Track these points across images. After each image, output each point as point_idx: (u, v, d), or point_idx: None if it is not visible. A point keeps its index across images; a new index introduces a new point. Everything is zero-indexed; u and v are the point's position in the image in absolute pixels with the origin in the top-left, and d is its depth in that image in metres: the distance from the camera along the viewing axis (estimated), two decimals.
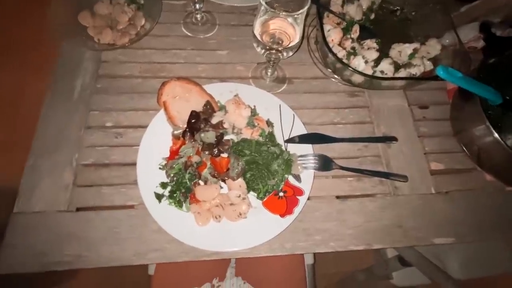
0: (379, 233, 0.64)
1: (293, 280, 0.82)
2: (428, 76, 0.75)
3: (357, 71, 0.70)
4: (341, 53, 0.75)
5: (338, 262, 1.45)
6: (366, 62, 0.75)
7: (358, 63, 0.74)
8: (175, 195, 0.58)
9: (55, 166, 0.64)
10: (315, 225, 0.62)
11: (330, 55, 0.73)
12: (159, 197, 0.58)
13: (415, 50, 0.78)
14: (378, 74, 0.75)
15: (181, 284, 0.77)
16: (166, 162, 0.61)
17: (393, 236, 0.63)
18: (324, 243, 0.61)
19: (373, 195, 0.66)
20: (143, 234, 0.58)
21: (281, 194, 0.62)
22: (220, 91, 0.68)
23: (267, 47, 0.63)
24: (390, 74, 0.75)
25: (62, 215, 0.60)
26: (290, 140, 0.65)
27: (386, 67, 0.75)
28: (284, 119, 0.69)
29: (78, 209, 0.61)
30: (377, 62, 0.76)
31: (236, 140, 0.63)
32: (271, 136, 0.64)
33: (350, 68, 0.69)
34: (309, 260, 0.89)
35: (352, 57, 0.75)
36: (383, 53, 0.78)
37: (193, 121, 0.62)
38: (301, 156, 0.64)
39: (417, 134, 0.76)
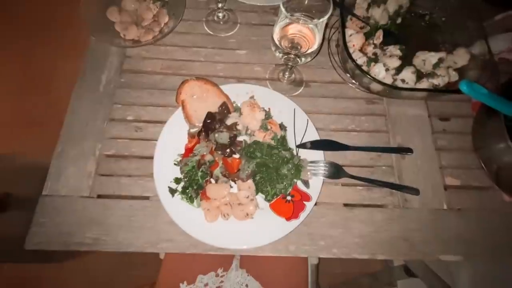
0: (385, 244, 0.64)
1: (296, 278, 0.83)
2: (451, 89, 0.72)
3: (376, 79, 0.68)
4: (361, 60, 0.73)
5: (344, 263, 1.45)
6: (387, 69, 0.73)
7: (378, 70, 0.73)
8: (187, 191, 0.60)
9: (80, 155, 0.68)
10: (320, 230, 0.62)
11: (350, 61, 0.72)
12: (172, 191, 0.60)
13: (441, 60, 0.74)
14: (399, 83, 0.73)
15: (188, 270, 0.81)
16: (181, 158, 0.63)
17: (399, 248, 0.62)
18: (328, 249, 0.61)
19: (382, 205, 0.65)
20: (156, 224, 0.61)
21: (288, 198, 0.63)
22: (236, 92, 0.68)
23: (285, 52, 0.63)
24: (411, 84, 0.73)
25: (85, 200, 0.64)
26: (302, 146, 0.65)
27: (407, 76, 0.73)
28: (297, 124, 0.69)
29: (99, 196, 0.65)
30: (398, 70, 0.74)
31: (248, 142, 0.64)
32: (283, 140, 0.64)
33: (368, 76, 0.68)
34: (313, 260, 0.90)
35: (372, 64, 0.74)
36: (406, 61, 0.75)
37: (208, 121, 0.64)
38: (311, 162, 0.64)
39: (434, 147, 0.73)
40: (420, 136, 0.73)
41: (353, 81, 0.78)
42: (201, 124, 0.64)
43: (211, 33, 0.81)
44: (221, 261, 0.83)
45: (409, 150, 0.70)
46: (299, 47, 0.64)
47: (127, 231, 0.60)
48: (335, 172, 0.66)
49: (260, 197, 0.62)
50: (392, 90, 0.71)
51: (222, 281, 0.80)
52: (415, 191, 0.65)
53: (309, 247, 0.62)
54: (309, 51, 0.62)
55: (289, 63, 0.68)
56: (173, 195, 0.60)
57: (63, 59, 1.70)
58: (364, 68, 0.72)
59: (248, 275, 0.82)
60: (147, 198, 0.63)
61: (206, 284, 0.79)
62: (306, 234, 0.62)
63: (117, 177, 0.65)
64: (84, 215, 0.63)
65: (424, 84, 0.72)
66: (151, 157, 0.65)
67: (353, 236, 0.62)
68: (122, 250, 0.61)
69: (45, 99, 1.71)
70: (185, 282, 0.78)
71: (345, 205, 0.65)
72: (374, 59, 0.75)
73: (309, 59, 0.66)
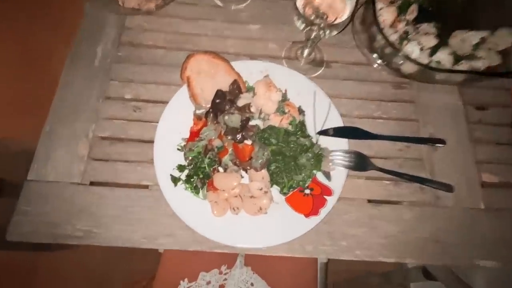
0: (412, 246, 0.57)
1: (304, 277, 0.77)
2: (494, 72, 0.64)
3: (412, 59, 0.59)
4: (393, 37, 0.64)
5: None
6: (421, 49, 0.64)
7: (412, 49, 0.64)
8: (192, 180, 0.54)
9: (71, 135, 0.61)
10: (342, 229, 0.57)
11: (379, 38, 0.63)
12: (175, 180, 0.54)
13: (483, 40, 0.65)
14: (433, 64, 0.64)
15: (189, 267, 0.75)
16: (185, 143, 0.57)
17: (429, 251, 0.57)
18: (350, 250, 0.56)
19: (410, 203, 0.60)
20: (156, 217, 0.56)
21: (307, 191, 0.56)
22: (249, 70, 0.62)
23: (309, 21, 0.54)
24: (448, 67, 0.64)
25: (75, 187, 0.57)
26: (323, 132, 0.59)
27: (444, 57, 0.64)
28: (318, 108, 0.61)
29: (91, 183, 0.58)
30: (433, 51, 0.65)
31: (262, 127, 0.58)
32: (302, 125, 0.58)
33: (403, 55, 0.59)
34: (323, 258, 0.84)
35: (405, 42, 0.65)
36: (441, 41, 0.66)
37: (217, 101, 0.57)
38: (333, 151, 0.57)
39: (469, 139, 0.66)
40: (453, 126, 0.66)
41: (380, 61, 0.69)
42: (208, 105, 0.58)
43: (220, 4, 0.73)
44: (224, 257, 0.77)
45: (441, 141, 0.63)
46: (325, 17, 0.55)
47: (122, 223, 0.55)
48: (361, 163, 0.58)
49: (275, 190, 0.56)
50: (425, 73, 0.63)
51: (225, 279, 0.74)
52: (448, 188, 0.59)
53: (328, 247, 0.56)
54: (338, 21, 0.53)
55: (312, 37, 0.59)
56: (175, 184, 0.54)
57: (56, 38, 1.60)
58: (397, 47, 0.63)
59: (253, 273, 0.75)
60: (146, 187, 0.58)
61: (209, 282, 0.74)
62: (325, 232, 0.57)
63: (112, 163, 0.59)
64: (74, 204, 0.56)
65: (463, 67, 0.63)
66: (151, 141, 0.58)
67: (378, 236, 0.57)
68: (116, 245, 0.54)
69: (39, 80, 1.62)
70: (186, 280, 0.73)
71: (370, 201, 0.60)
72: (405, 38, 0.66)
73: (334, 32, 0.58)
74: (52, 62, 1.65)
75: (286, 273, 0.76)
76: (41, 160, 0.58)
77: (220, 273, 0.74)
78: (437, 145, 0.63)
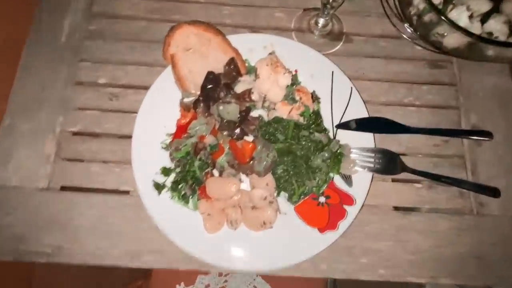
0: (449, 264, 0.49)
1: (312, 282, 0.72)
2: None
3: (461, 28, 0.46)
4: (436, 0, 0.50)
5: None
6: (470, 16, 0.51)
7: (458, 16, 0.52)
8: (180, 186, 0.46)
9: (35, 131, 0.53)
10: (363, 243, 0.50)
11: (416, 2, 0.50)
12: (158, 187, 0.47)
13: None
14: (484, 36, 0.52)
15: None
16: (171, 140, 0.49)
17: (468, 270, 0.49)
18: (372, 268, 0.48)
19: (447, 210, 0.52)
20: (139, 229, 0.49)
21: (322, 199, 0.47)
22: (250, 46, 0.53)
23: None
24: (502, 38, 0.53)
25: (42, 194, 0.50)
26: (343, 126, 0.50)
27: (496, 27, 0.54)
28: (336, 93, 0.52)
29: (62, 188, 0.51)
30: (484, 18, 0.54)
31: (267, 119, 0.50)
32: (316, 116, 0.51)
33: (447, 24, 0.46)
34: None
35: (450, 6, 0.52)
36: (495, 6, 0.54)
37: (209, 86, 0.48)
38: (356, 149, 0.48)
39: None
40: (502, 116, 0.57)
41: (413, 33, 0.57)
42: (198, 91, 0.49)
43: None
44: None
45: (487, 134, 0.54)
46: None
47: (99, 237, 0.48)
48: (391, 164, 0.48)
49: (282, 196, 0.48)
50: (473, 49, 0.53)
51: (226, 281, 0.71)
52: (493, 192, 0.51)
53: (346, 265, 0.49)
54: None
55: (328, 3, 0.46)
56: (159, 192, 0.47)
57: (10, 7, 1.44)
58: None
59: (257, 276, 0.71)
60: (126, 192, 0.51)
61: (208, 285, 0.71)
62: (343, 247, 0.49)
63: (86, 163, 0.52)
64: (42, 214, 0.49)
65: None
66: (131, 137, 0.50)
67: (406, 251, 0.50)
68: (93, 263, 0.47)
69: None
70: (182, 284, 0.70)
71: (396, 208, 0.52)
72: (450, 1, 0.52)
73: None
74: (7, 41, 1.51)
75: (292, 278, 0.71)
76: (1, 161, 0.51)
77: (220, 275, 0.71)
78: (481, 139, 0.54)
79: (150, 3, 0.60)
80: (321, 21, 0.57)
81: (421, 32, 0.55)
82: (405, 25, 0.58)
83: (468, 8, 0.52)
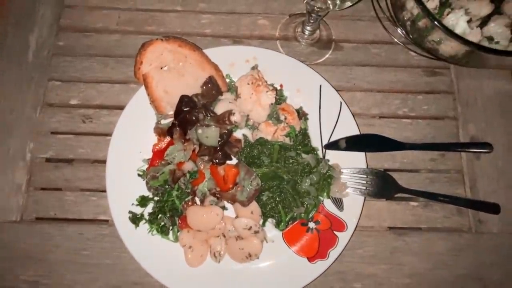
0: (447, 287, 0.46)
1: None
2: None
3: (458, 36, 0.42)
4: (430, 4, 0.46)
5: None
6: (469, 20, 0.46)
7: (455, 20, 0.47)
8: (158, 218, 0.42)
9: (4, 159, 0.49)
10: (356, 267, 0.46)
11: (409, 5, 0.46)
12: (135, 220, 0.43)
13: None
14: (484, 42, 0.48)
15: None
16: (147, 166, 0.43)
17: None
18: None
19: (445, 229, 0.49)
20: (120, 260, 0.46)
21: (311, 225, 0.43)
22: (230, 60, 0.49)
23: None
24: (504, 43, 0.49)
25: (15, 227, 0.47)
26: (333, 145, 0.46)
27: (497, 30, 0.49)
28: (325, 109, 0.48)
29: (37, 219, 0.47)
30: (484, 21, 0.50)
31: (250, 141, 0.46)
32: (303, 136, 0.47)
33: (443, 30, 0.42)
34: None
35: (446, 10, 0.47)
36: (496, 9, 0.50)
37: (186, 109, 0.42)
38: (347, 170, 0.45)
39: None
40: (503, 126, 0.54)
41: (406, 38, 0.52)
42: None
43: None
44: None
45: (486, 146, 0.50)
46: None
47: (77, 270, 0.45)
48: (385, 187, 0.45)
49: (270, 221, 0.45)
50: (473, 56, 0.48)
51: None
52: (493, 208, 0.48)
53: None
54: None
55: (316, 8, 0.42)
56: (137, 226, 0.43)
57: None
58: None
59: None
60: (105, 222, 0.47)
61: None
62: (334, 273, 0.46)
63: (61, 192, 0.48)
64: (15, 248, 0.46)
65: None
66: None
67: (402, 275, 0.47)
68: None
69: None
70: None
71: (391, 228, 0.49)
72: (447, 4, 0.48)
73: (348, 3, 0.40)
74: None
75: None
76: None
77: None
78: (481, 151, 0.50)
79: (123, 13, 0.55)
80: (308, 29, 0.52)
81: (416, 40, 0.51)
82: (398, 30, 0.53)
83: (466, 12, 0.47)
